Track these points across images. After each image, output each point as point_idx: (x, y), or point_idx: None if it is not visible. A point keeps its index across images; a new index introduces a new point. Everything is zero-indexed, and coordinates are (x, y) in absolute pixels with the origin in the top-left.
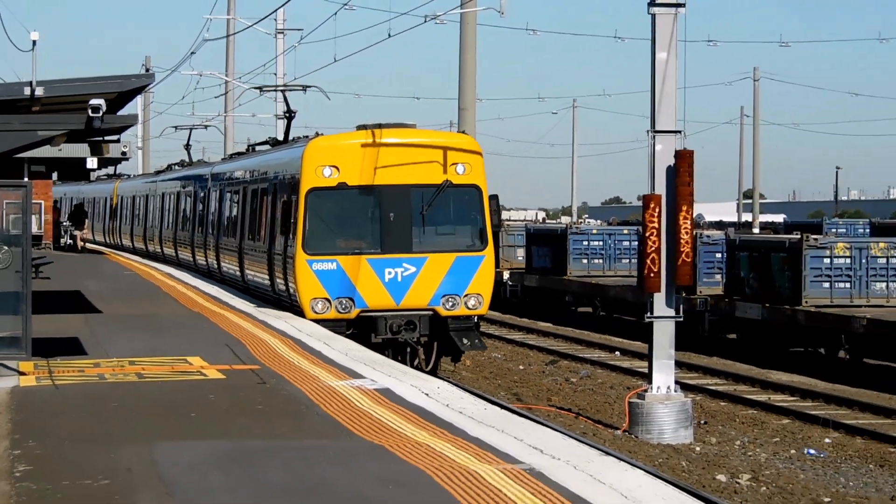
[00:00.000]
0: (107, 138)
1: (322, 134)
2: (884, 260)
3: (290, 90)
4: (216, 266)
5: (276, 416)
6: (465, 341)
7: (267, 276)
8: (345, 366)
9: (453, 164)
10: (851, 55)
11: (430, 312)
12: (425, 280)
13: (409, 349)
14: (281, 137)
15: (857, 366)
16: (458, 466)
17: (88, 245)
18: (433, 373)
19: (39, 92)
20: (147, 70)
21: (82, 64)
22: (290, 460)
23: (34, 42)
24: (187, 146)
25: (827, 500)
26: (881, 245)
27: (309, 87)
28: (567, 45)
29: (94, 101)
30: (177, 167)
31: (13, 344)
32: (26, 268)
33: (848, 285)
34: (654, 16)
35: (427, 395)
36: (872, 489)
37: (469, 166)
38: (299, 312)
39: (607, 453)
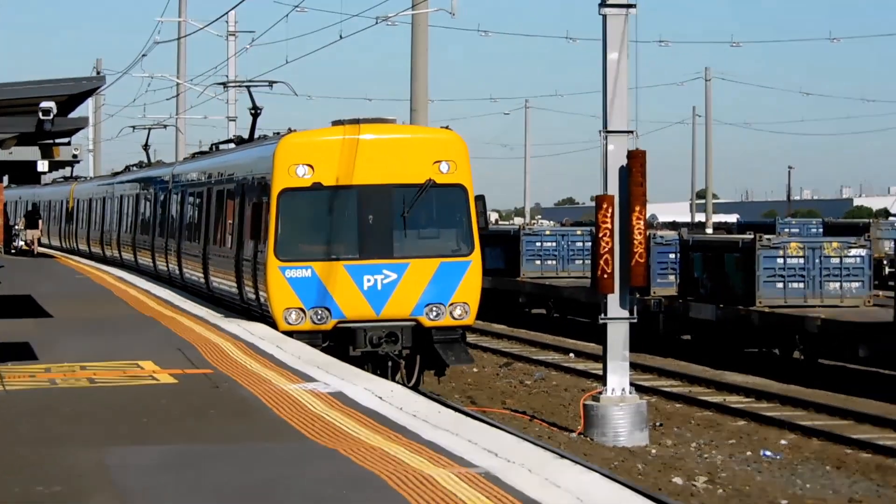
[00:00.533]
0: (57, 141)
1: (295, 130)
2: (837, 260)
3: (256, 86)
4: (178, 272)
5: (228, 419)
6: (450, 354)
7: (234, 284)
8: (297, 369)
9: (437, 161)
10: (802, 55)
11: (413, 323)
12: (407, 288)
13: (390, 363)
14: (238, 137)
15: (812, 366)
16: (412, 470)
17: (42, 249)
18: (416, 388)
19: None
20: (98, 73)
21: (33, 66)
22: (242, 464)
23: None
24: (146, 146)
25: (784, 501)
26: (834, 245)
27: (276, 82)
28: (519, 47)
29: (44, 104)
30: (135, 168)
31: None
32: None
33: (802, 285)
34: (605, 17)
35: (380, 398)
36: (829, 490)
37: (454, 164)
38: (270, 323)
39: (562, 456)
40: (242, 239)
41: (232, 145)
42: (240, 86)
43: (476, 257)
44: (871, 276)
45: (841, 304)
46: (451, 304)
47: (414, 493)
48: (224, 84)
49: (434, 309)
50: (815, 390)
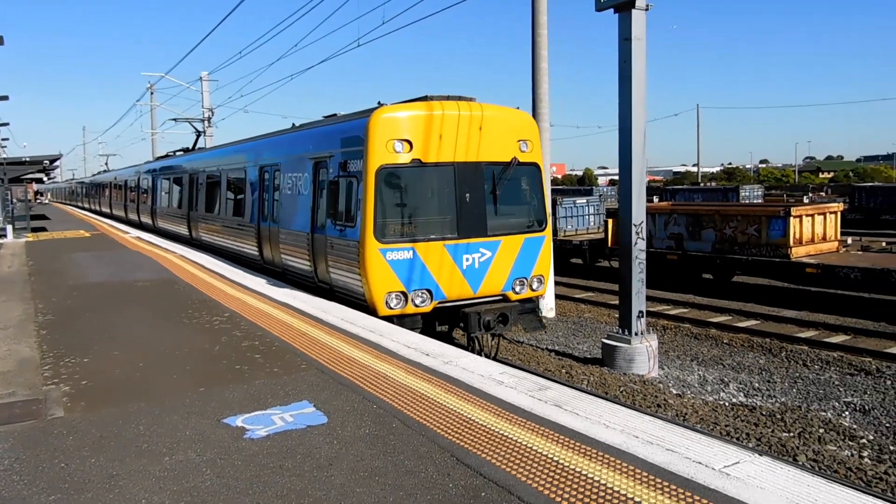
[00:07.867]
0: (49, 172)
1: (384, 104)
2: (588, 208)
3: (193, 121)
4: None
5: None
6: (528, 323)
7: (308, 262)
8: (175, 251)
9: (520, 140)
10: None
11: (501, 298)
12: (500, 265)
13: (490, 338)
14: (184, 148)
15: (587, 265)
16: (232, 297)
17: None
18: (485, 354)
19: (27, 159)
20: (59, 153)
21: (43, 124)
22: (119, 255)
23: (60, 155)
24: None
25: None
26: (584, 200)
27: (201, 120)
28: None
29: (44, 162)
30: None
31: (25, 229)
32: (26, 207)
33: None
34: None
35: (217, 264)
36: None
37: (531, 143)
38: (359, 307)
39: (309, 292)
40: (314, 216)
41: (181, 151)
42: (186, 121)
43: (549, 232)
44: (604, 216)
45: (587, 232)
46: (532, 278)
47: (234, 304)
48: (175, 119)
49: (518, 283)
50: (589, 280)
